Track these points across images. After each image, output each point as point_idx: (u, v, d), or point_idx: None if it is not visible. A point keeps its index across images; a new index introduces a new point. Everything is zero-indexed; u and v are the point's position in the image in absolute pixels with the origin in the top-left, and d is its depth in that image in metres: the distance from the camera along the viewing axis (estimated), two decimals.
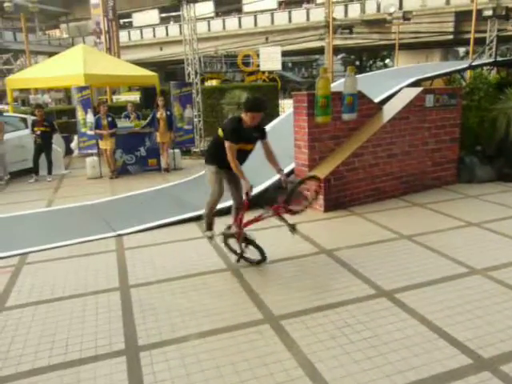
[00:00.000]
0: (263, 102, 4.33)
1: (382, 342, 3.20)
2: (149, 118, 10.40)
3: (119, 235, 5.74)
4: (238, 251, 4.57)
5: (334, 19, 21.18)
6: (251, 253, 4.60)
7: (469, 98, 8.55)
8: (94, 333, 3.44)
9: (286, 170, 6.96)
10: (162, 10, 37.59)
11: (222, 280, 4.33)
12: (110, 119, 9.54)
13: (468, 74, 11.06)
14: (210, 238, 4.79)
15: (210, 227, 4.73)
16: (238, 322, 3.53)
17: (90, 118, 10.09)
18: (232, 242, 4.65)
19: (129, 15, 38.38)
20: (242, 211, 4.44)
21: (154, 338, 3.35)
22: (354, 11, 29.22)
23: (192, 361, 3.06)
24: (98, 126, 9.45)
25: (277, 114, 13.70)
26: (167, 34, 35.53)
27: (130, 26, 38.97)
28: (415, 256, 4.75)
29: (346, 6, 29.47)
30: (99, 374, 2.95)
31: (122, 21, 35.96)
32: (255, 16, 32.79)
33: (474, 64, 9.97)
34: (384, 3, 26.98)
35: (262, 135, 4.41)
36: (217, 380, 2.86)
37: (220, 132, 4.27)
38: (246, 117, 4.19)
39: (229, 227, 4.56)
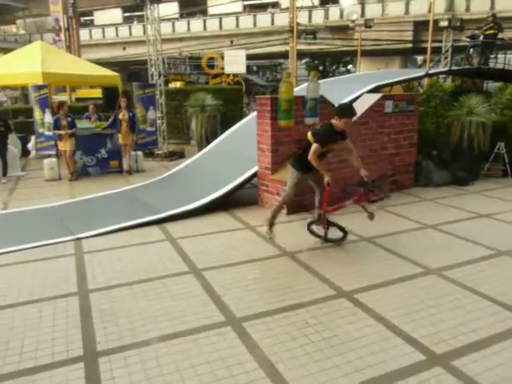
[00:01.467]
0: (352, 107, 4.83)
1: (341, 342, 3.28)
2: (110, 119, 10.20)
3: (78, 239, 5.59)
4: (322, 234, 5.23)
5: (298, 24, 21.45)
6: (332, 233, 5.22)
7: (426, 105, 8.89)
8: (51, 339, 3.34)
9: (249, 173, 7.04)
10: (125, 9, 36.95)
11: (183, 283, 4.31)
12: (69, 119, 9.28)
13: (425, 82, 11.49)
14: (271, 238, 5.26)
15: (271, 227, 5.23)
16: (199, 324, 3.52)
17: (48, 117, 9.77)
18: (315, 228, 5.27)
19: (90, 13, 37.48)
20: (326, 195, 4.97)
21: (114, 343, 3.29)
22: (318, 17, 29.72)
23: (153, 365, 3.03)
24: (56, 126, 9.17)
25: (241, 117, 13.74)
26: (130, 34, 34.93)
27: (91, 24, 38.05)
28: (374, 257, 4.89)
29: (310, 12, 29.92)
30: (55, 382, 2.88)
31: (82, 19, 35.04)
32: (220, 19, 32.78)
33: (430, 72, 10.37)
34: (347, 10, 27.62)
35: (344, 137, 4.80)
36: (178, 383, 2.85)
37: (309, 136, 4.74)
38: (339, 123, 4.63)
39: (311, 222, 5.26)
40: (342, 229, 5.17)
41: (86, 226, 5.96)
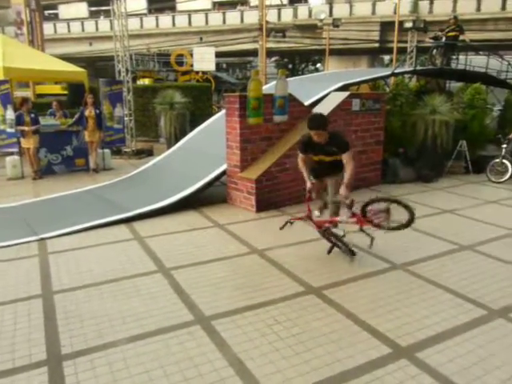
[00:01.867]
0: (318, 120, 4.60)
1: (310, 338, 3.32)
2: (76, 116, 9.93)
3: (42, 239, 5.43)
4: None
5: (267, 22, 21.48)
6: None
7: (392, 104, 9.09)
8: (12, 344, 3.23)
9: (218, 171, 7.01)
10: (91, 3, 36.04)
11: (152, 282, 4.25)
12: (32, 116, 8.98)
13: (391, 81, 11.73)
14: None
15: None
16: (168, 324, 3.49)
17: (10, 114, 9.42)
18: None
19: (54, 7, 36.36)
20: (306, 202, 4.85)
21: (79, 346, 3.21)
22: (287, 15, 29.86)
23: (120, 367, 2.98)
24: (19, 122, 8.84)
25: (210, 115, 13.66)
26: (97, 29, 34.10)
27: (55, 18, 36.91)
28: (342, 254, 4.95)
29: (279, 10, 30.03)
30: None
31: (46, 12, 33.95)
32: (189, 15, 32.45)
33: (396, 72, 10.60)
34: (315, 9, 27.86)
35: (339, 149, 4.59)
36: None
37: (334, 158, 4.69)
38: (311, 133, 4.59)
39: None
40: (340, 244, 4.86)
41: (51, 226, 5.79)
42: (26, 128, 8.85)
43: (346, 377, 2.89)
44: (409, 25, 17.24)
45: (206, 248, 5.15)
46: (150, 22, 33.22)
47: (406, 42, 20.23)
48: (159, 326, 3.46)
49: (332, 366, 2.99)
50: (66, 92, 18.96)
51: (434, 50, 11.59)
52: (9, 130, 9.65)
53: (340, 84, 8.88)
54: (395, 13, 19.83)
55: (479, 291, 4.05)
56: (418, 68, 11.42)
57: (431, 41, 12.22)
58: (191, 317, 3.60)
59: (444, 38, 11.46)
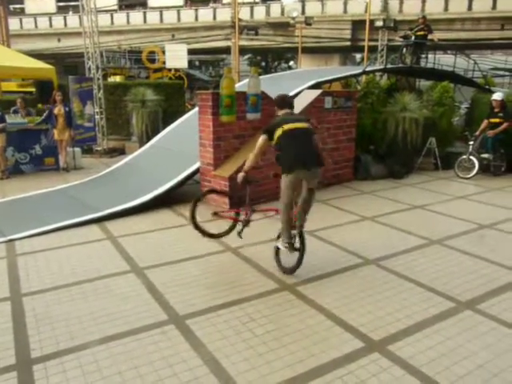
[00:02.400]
0: (289, 99, 4.56)
1: (285, 334, 3.34)
2: (45, 114, 9.68)
3: (10, 240, 5.28)
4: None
5: (240, 20, 21.46)
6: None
7: (363, 101, 9.23)
8: None
9: (191, 169, 6.96)
10: None
11: (125, 282, 4.19)
12: None
13: (363, 79, 11.90)
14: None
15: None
16: (142, 324, 3.45)
17: None
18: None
19: (20, 1, 35.26)
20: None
21: (50, 349, 3.14)
22: (260, 13, 29.88)
23: (92, 369, 2.93)
24: None
25: (183, 113, 13.54)
26: (66, 25, 33.29)
27: (21, 12, 35.80)
28: (315, 250, 5.00)
29: (251, 8, 30.01)
30: None
31: (11, 6, 32.94)
32: (161, 12, 32.04)
33: (367, 70, 10.76)
34: (287, 8, 27.98)
35: None
36: None
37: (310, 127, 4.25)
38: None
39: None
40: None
41: (20, 227, 5.63)
42: None
43: (320, 371, 2.92)
44: (379, 23, 17.53)
45: (180, 246, 5.11)
46: (120, 19, 32.65)
47: (376, 40, 20.56)
48: (132, 327, 3.41)
49: (306, 362, 3.02)
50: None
51: (404, 49, 11.81)
52: None
53: (312, 82, 8.95)
54: (366, 11, 20.13)
55: (448, 284, 4.17)
56: (389, 66, 11.61)
57: (401, 40, 12.44)
58: (165, 316, 3.58)
59: (413, 37, 11.69)
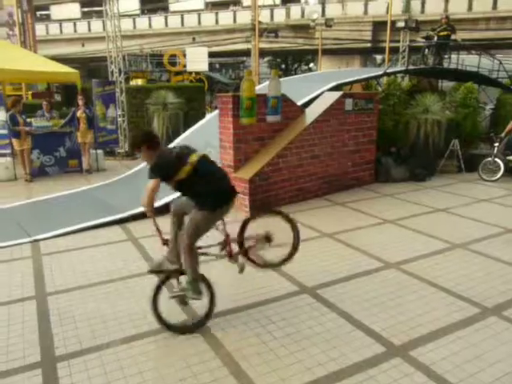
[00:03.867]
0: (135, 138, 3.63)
1: (304, 337, 3.32)
2: (68, 117, 9.87)
3: (35, 240, 5.40)
4: None
5: (260, 22, 21.52)
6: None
7: (384, 103, 9.13)
8: (5, 346, 3.21)
9: None
10: (84, 3, 35.85)
11: (146, 284, 4.23)
12: (24, 117, 8.91)
13: (384, 81, 11.79)
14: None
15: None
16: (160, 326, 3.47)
17: (2, 116, 9.35)
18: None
19: (46, 7, 36.13)
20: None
21: (73, 347, 3.20)
22: (280, 16, 29.90)
23: (114, 368, 2.97)
24: (14, 123, 8.69)
25: (203, 115, 13.64)
26: (89, 30, 33.95)
27: (47, 18, 36.68)
28: (336, 253, 4.98)
29: (271, 10, 30.06)
30: None
31: (38, 13, 33.78)
32: (182, 16, 32.40)
33: (388, 71, 10.65)
34: (308, 9, 27.93)
35: None
36: None
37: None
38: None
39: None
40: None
41: (44, 228, 5.76)
42: (26, 128, 8.74)
43: (339, 376, 2.90)
44: (401, 24, 17.33)
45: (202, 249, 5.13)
46: (142, 23, 33.14)
47: (398, 41, 20.31)
48: (153, 327, 3.45)
49: (326, 365, 3.00)
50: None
51: (426, 50, 11.66)
52: (1, 131, 9.57)
53: (333, 84, 8.90)
54: (387, 12, 19.93)
55: (472, 289, 4.08)
56: (411, 67, 11.48)
57: (423, 40, 12.29)
58: (185, 317, 3.60)
59: (436, 38, 11.52)
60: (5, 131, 9.21)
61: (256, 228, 3.83)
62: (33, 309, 3.77)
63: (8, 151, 9.37)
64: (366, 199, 7.35)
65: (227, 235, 3.66)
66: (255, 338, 3.31)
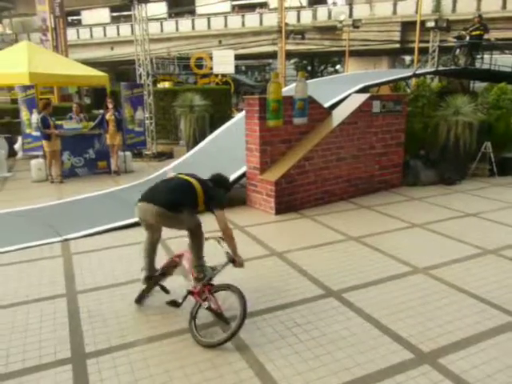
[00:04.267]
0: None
1: (330, 341, 3.30)
2: (97, 120, 10.11)
3: (66, 240, 5.55)
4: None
5: (286, 24, 21.52)
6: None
7: (413, 105, 8.97)
8: (38, 341, 3.31)
9: (238, 173, 7.04)
10: (113, 8, 36.65)
11: (174, 283, 4.27)
12: (53, 119, 9.16)
13: (412, 82, 11.59)
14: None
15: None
16: (188, 326, 3.50)
17: (35, 118, 9.66)
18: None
19: (77, 13, 37.12)
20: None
21: (102, 345, 3.27)
22: (306, 17, 29.78)
23: (141, 366, 3.02)
24: (46, 125, 8.95)
25: (229, 117, 13.73)
26: (118, 34, 34.66)
27: (78, 23, 37.69)
28: (362, 257, 4.92)
29: (298, 12, 29.98)
30: None
31: (70, 18, 34.69)
32: (209, 18, 32.69)
33: (417, 72, 10.47)
34: (335, 11, 27.73)
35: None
36: None
37: (196, 183, 3.56)
38: None
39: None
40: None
41: (74, 227, 5.91)
42: (56, 131, 8.99)
43: (366, 381, 2.86)
44: (431, 24, 16.98)
45: (226, 249, 5.15)
46: (170, 26, 33.60)
47: (427, 41, 19.92)
48: (180, 327, 3.49)
49: (352, 370, 2.96)
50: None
51: (458, 50, 11.40)
52: (34, 133, 9.89)
53: (360, 86, 8.82)
54: (417, 12, 19.57)
55: (504, 297, 3.96)
56: (441, 68, 11.24)
57: (454, 40, 12.01)
58: (211, 318, 3.62)
59: (468, 38, 11.25)
60: (37, 133, 9.49)
61: None
62: (63, 306, 3.86)
63: (40, 153, 9.66)
64: (394, 203, 7.23)
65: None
66: (281, 340, 3.30)
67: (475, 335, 3.35)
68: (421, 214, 6.57)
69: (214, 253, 3.69)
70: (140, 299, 3.89)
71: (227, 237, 3.49)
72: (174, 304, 3.61)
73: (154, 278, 3.84)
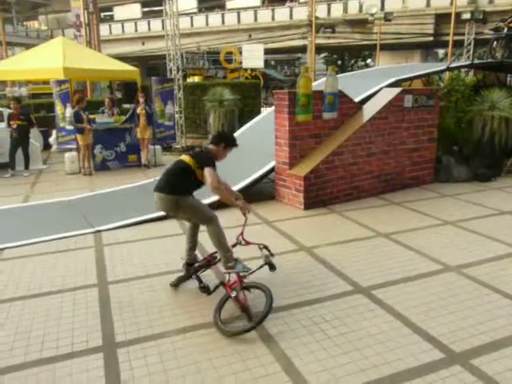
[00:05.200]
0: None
1: (358, 337, 3.26)
2: (128, 114, 10.29)
3: (98, 231, 5.69)
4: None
5: (316, 18, 21.28)
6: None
7: (446, 100, 8.73)
8: (71, 329, 3.41)
9: (267, 167, 7.03)
10: (144, 4, 37.17)
11: (202, 276, 4.32)
12: (87, 113, 9.38)
13: (446, 76, 11.27)
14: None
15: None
16: None
17: (69, 112, 9.92)
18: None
19: (110, 8, 37.81)
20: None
21: (132, 335, 3.34)
22: (337, 11, 29.40)
23: (170, 357, 3.07)
24: (78, 119, 9.20)
25: (259, 112, 13.72)
26: (149, 29, 35.14)
27: (111, 19, 38.39)
28: (392, 253, 4.84)
29: (328, 6, 29.63)
30: (76, 371, 2.94)
31: (102, 14, 35.38)
32: (238, 13, 32.71)
33: (451, 66, 10.16)
34: (366, 4, 27.22)
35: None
36: (194, 376, 2.88)
37: (190, 160, 3.80)
38: (221, 151, 3.96)
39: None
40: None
41: (106, 219, 6.05)
42: (88, 126, 9.22)
43: (395, 379, 2.82)
44: (466, 16, 16.51)
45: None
46: (200, 21, 33.81)
47: (462, 34, 19.35)
48: (207, 320, 3.52)
49: (381, 368, 2.93)
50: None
51: (495, 42, 10.98)
52: (68, 127, 10.15)
53: (392, 80, 8.63)
54: (451, 4, 18.99)
55: None
56: (476, 61, 10.87)
57: (491, 32, 11.58)
58: (238, 311, 3.64)
59: (506, 29, 10.82)
60: (71, 127, 9.75)
61: None
62: (95, 296, 3.97)
63: (74, 146, 9.92)
64: (425, 199, 7.07)
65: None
66: (308, 335, 3.29)
67: (509, 336, 3.25)
68: (453, 211, 6.40)
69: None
70: (177, 283, 4.07)
71: (214, 191, 3.64)
72: (206, 290, 3.75)
73: (193, 267, 3.99)
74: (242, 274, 3.59)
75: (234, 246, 3.89)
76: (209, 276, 4.17)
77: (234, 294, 3.47)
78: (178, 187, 3.76)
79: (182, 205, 3.76)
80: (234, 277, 3.63)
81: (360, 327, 3.40)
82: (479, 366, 2.93)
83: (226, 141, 4.00)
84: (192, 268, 4.01)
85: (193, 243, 4.11)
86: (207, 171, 3.63)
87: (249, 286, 3.58)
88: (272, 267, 3.65)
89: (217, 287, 3.73)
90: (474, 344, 3.17)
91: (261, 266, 3.67)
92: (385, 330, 3.35)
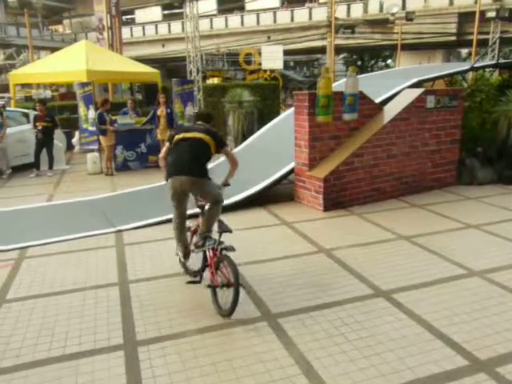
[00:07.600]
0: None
1: (379, 342, 3.22)
2: (149, 115, 10.40)
3: (119, 231, 5.76)
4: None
5: (336, 19, 21.14)
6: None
7: (470, 100, 8.55)
8: (93, 327, 3.46)
9: (286, 169, 7.01)
10: (165, 6, 37.54)
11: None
12: (110, 115, 9.52)
13: (470, 76, 11.05)
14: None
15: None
16: (235, 318, 3.53)
17: (92, 114, 10.08)
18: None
19: (131, 12, 38.33)
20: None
21: (152, 333, 3.37)
22: (357, 11, 29.13)
23: (189, 356, 3.08)
24: (101, 121, 9.37)
25: (278, 113, 13.70)
26: (169, 31, 35.47)
27: (132, 22, 38.90)
28: (413, 257, 4.77)
29: (348, 6, 29.39)
30: (97, 368, 2.98)
31: (124, 17, 35.87)
32: (258, 14, 32.73)
33: (476, 66, 9.96)
34: (387, 3, 26.89)
35: None
36: (213, 376, 2.88)
37: (209, 140, 3.94)
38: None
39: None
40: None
41: (127, 219, 6.12)
42: (111, 128, 9.37)
43: None
44: (491, 14, 16.15)
45: (273, 245, 5.17)
46: (219, 23, 33.95)
47: (487, 33, 18.93)
48: (226, 320, 3.52)
49: (402, 373, 2.88)
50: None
51: None
52: (91, 128, 10.31)
53: (413, 80, 8.50)
54: (476, 2, 18.63)
55: None
56: (502, 61, 10.63)
57: None
58: (258, 313, 3.64)
59: None
60: (93, 128, 9.91)
61: None
62: (116, 294, 4.02)
63: (96, 147, 10.08)
64: (447, 202, 6.94)
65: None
66: (328, 339, 3.26)
67: None
68: (477, 214, 6.27)
69: None
70: (191, 277, 4.16)
71: (236, 164, 4.18)
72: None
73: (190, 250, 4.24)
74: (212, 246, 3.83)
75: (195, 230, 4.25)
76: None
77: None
78: (207, 169, 4.01)
79: (209, 186, 4.03)
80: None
81: (381, 331, 3.35)
82: (505, 374, 2.85)
83: (213, 119, 4.32)
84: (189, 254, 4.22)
85: (186, 233, 4.38)
86: (231, 151, 4.00)
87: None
88: (226, 231, 3.80)
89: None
90: (500, 351, 3.09)
91: (220, 235, 3.81)
92: (406, 335, 3.30)
